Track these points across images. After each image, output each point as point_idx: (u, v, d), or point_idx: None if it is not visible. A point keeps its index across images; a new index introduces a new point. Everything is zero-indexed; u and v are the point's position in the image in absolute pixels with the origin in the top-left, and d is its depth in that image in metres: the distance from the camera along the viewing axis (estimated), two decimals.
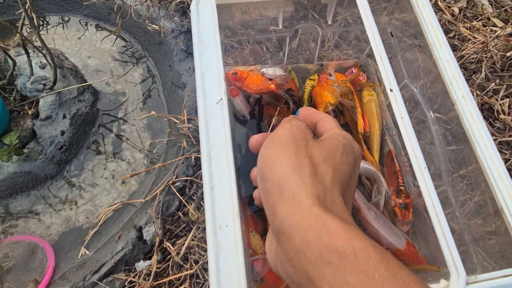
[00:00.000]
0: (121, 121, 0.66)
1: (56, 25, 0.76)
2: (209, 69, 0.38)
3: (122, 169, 0.61)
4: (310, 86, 0.57)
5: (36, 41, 0.62)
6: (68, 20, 0.76)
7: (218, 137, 0.36)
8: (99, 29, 0.76)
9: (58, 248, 0.53)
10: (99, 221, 0.54)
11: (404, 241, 0.45)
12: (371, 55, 0.60)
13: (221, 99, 0.37)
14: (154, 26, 0.66)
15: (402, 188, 0.51)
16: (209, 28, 0.41)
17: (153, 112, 0.58)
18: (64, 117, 0.59)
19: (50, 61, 0.56)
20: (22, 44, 0.57)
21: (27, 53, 0.59)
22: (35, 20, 0.55)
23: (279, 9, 0.50)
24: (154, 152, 0.62)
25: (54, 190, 0.57)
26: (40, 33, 0.64)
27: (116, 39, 0.74)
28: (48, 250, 0.52)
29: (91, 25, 0.77)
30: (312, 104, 0.55)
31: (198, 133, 0.59)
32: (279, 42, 0.60)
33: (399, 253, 0.44)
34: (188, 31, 0.69)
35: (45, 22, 0.75)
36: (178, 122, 0.59)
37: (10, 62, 0.62)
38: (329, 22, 0.53)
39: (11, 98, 0.62)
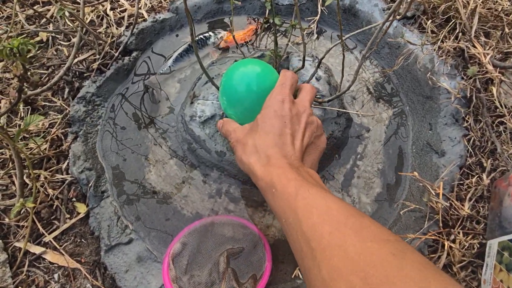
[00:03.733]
0: (359, 156, 0.63)
1: (330, 39, 0.76)
2: None
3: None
4: None
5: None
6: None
7: None
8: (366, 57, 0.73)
9: (272, 252, 0.53)
10: None
11: None
12: None
13: None
14: (444, 85, 0.60)
15: None
16: None
17: (415, 173, 0.52)
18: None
19: (332, 82, 0.55)
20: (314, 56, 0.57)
21: (318, 66, 0.59)
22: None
23: None
24: (383, 202, 0.57)
25: None
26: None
27: (385, 75, 0.70)
28: (267, 249, 0.52)
29: (355, 48, 0.75)
30: None
31: (448, 214, 0.52)
32: None
33: None
34: (463, 98, 0.61)
35: (320, 34, 0.77)
36: (433, 193, 0.52)
37: (295, 64, 0.64)
38: None
39: None
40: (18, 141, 0.45)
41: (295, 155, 0.41)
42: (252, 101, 0.50)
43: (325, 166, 0.60)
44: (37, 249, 0.50)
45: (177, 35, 0.75)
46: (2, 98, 0.61)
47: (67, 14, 0.58)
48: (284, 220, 0.35)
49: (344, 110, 0.62)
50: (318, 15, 0.73)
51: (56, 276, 0.49)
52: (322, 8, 0.71)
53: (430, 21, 0.67)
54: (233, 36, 0.59)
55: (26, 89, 0.51)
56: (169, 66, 0.68)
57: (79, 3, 0.74)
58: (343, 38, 0.50)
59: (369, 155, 0.62)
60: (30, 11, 0.72)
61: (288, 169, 0.38)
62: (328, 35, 0.77)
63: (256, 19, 0.76)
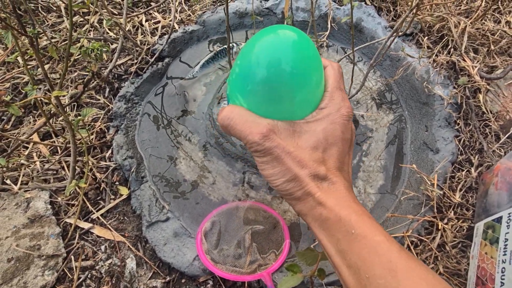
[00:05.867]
0: (364, 153, 0.71)
1: (336, 52, 0.85)
2: None
3: None
4: None
5: None
6: (346, 50, 0.85)
7: None
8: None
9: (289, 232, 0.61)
10: None
11: None
12: None
13: None
14: (438, 93, 0.69)
15: None
16: None
17: (414, 166, 0.60)
18: None
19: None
20: None
21: None
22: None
23: None
24: (385, 193, 0.65)
25: None
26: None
27: (386, 84, 0.79)
28: (286, 230, 0.59)
29: (360, 60, 0.84)
30: None
31: (442, 201, 0.60)
32: None
33: None
34: (455, 104, 0.70)
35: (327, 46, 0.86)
36: (429, 183, 0.61)
37: None
38: None
39: None
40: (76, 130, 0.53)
41: (350, 181, 0.37)
42: (281, 88, 0.34)
43: None
44: (85, 225, 0.57)
45: (200, 46, 0.84)
46: (50, 96, 0.69)
47: (109, 24, 0.66)
48: (368, 276, 0.29)
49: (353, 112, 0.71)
50: (328, 31, 0.82)
51: (103, 247, 0.56)
52: (332, 24, 0.81)
53: (426, 38, 0.77)
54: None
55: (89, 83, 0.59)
56: (196, 71, 0.77)
57: (116, 14, 0.83)
58: (354, 50, 0.58)
59: (373, 153, 0.71)
60: (74, 19, 0.81)
61: (358, 206, 0.33)
62: (335, 48, 0.87)
63: None
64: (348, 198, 0.33)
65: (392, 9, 0.84)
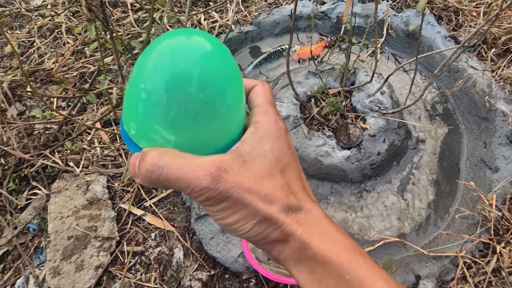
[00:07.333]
0: (414, 165, 0.68)
1: (385, 58, 0.82)
2: None
3: (400, 206, 0.63)
4: None
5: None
6: (396, 57, 0.82)
7: None
8: (423, 76, 0.79)
9: None
10: (377, 243, 0.58)
11: None
12: None
13: None
14: (502, 108, 0.64)
15: None
16: None
17: (471, 183, 0.57)
18: (384, 141, 0.65)
19: (398, 97, 0.61)
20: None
21: (384, 83, 0.65)
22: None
23: None
24: (436, 209, 0.62)
25: (347, 192, 0.64)
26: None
27: (443, 95, 0.76)
28: None
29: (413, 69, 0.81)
30: None
31: (499, 223, 0.56)
32: None
33: None
34: None
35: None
36: (486, 203, 0.57)
37: (362, 78, 0.71)
38: None
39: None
40: None
41: (316, 202, 0.30)
42: (218, 104, 0.25)
43: (385, 171, 0.66)
44: (138, 211, 0.59)
45: (253, 46, 0.84)
46: (114, 86, 0.72)
47: (173, 21, 0.68)
48: None
49: (405, 121, 0.68)
50: (383, 37, 0.80)
51: (153, 235, 0.58)
52: (390, 31, 0.78)
53: (492, 50, 0.72)
54: (311, 51, 0.67)
55: None
56: (249, 71, 0.78)
57: (176, 12, 0.86)
58: (417, 57, 0.56)
59: (424, 165, 0.68)
60: (135, 16, 0.84)
61: (346, 238, 0.27)
62: (386, 55, 0.84)
63: (327, 37, 0.84)
64: (331, 228, 0.27)
65: (454, 18, 0.80)
